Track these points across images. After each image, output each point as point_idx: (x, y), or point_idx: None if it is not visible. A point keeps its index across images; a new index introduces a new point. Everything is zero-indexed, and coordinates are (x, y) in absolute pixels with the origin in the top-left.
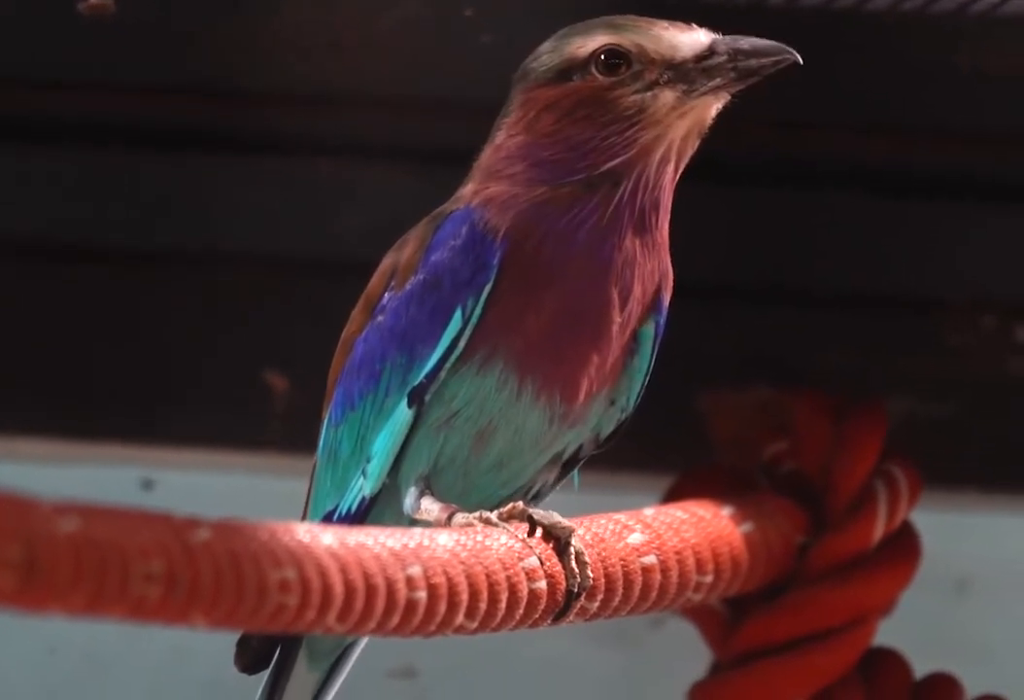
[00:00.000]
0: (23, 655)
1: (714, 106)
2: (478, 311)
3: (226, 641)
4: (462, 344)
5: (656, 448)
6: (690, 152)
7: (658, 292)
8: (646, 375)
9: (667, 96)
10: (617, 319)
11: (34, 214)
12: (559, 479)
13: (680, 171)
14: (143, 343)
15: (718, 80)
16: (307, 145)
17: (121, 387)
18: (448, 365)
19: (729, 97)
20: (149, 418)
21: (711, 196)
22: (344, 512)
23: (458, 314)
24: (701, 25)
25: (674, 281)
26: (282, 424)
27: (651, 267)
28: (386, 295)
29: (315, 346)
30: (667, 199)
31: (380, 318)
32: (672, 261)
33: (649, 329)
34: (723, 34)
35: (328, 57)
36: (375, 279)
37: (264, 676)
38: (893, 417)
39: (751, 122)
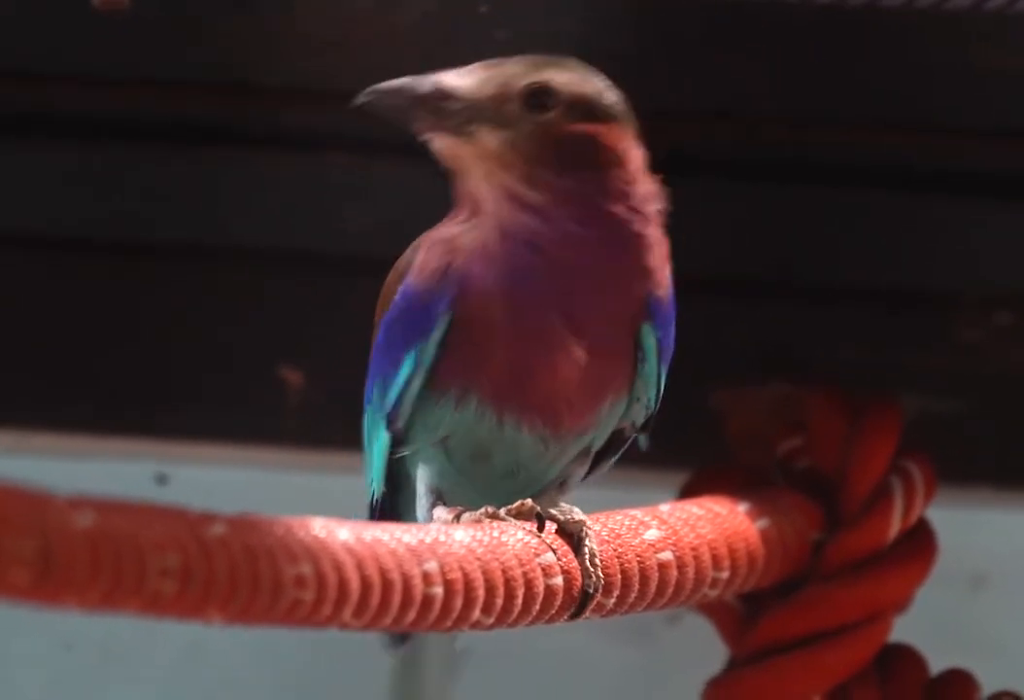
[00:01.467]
0: (39, 651)
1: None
2: (431, 355)
3: (242, 637)
4: (416, 384)
5: (671, 444)
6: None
7: (645, 296)
8: (659, 378)
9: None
10: (574, 339)
11: (57, 210)
12: (596, 466)
13: (530, 179)
14: (157, 338)
15: None
16: (321, 141)
17: (135, 382)
18: (408, 401)
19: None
20: (163, 413)
21: (725, 192)
22: (373, 502)
23: (412, 356)
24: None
25: (687, 277)
26: (297, 419)
27: (613, 275)
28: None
29: (330, 341)
30: (607, 208)
31: (377, 332)
32: (685, 257)
33: (649, 336)
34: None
35: (341, 53)
36: (385, 287)
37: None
38: (906, 413)
39: (764, 118)
